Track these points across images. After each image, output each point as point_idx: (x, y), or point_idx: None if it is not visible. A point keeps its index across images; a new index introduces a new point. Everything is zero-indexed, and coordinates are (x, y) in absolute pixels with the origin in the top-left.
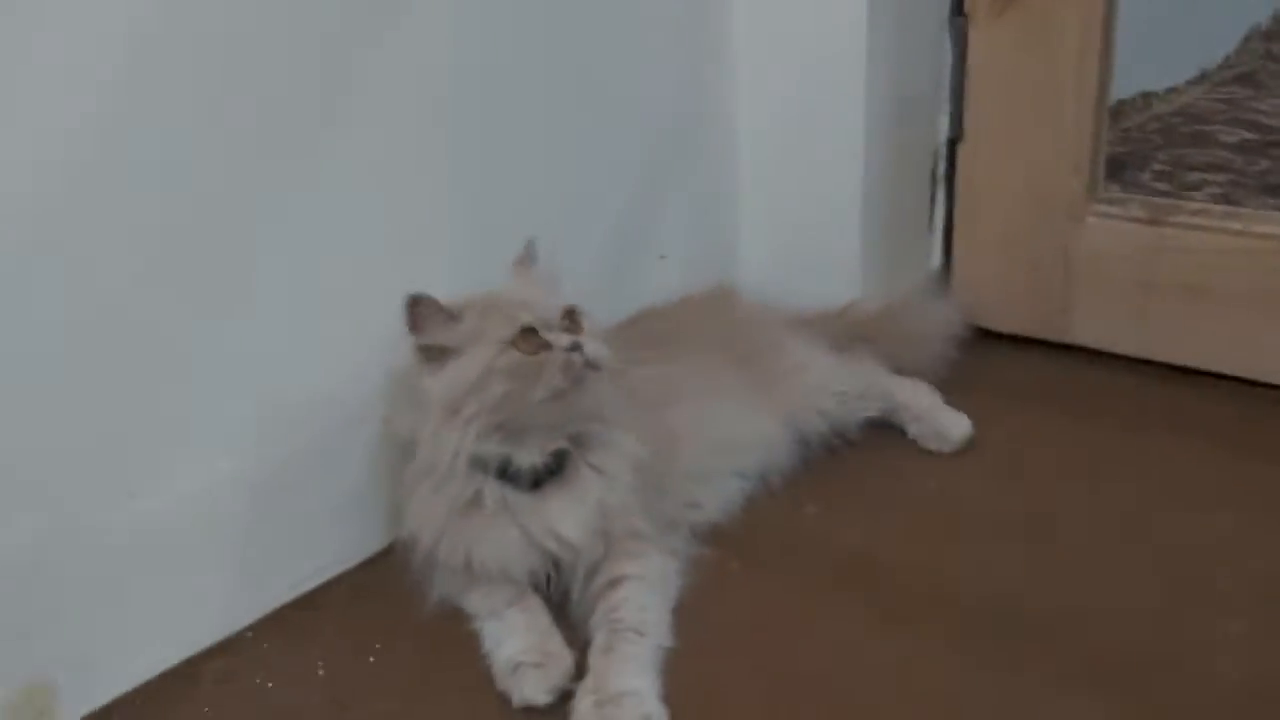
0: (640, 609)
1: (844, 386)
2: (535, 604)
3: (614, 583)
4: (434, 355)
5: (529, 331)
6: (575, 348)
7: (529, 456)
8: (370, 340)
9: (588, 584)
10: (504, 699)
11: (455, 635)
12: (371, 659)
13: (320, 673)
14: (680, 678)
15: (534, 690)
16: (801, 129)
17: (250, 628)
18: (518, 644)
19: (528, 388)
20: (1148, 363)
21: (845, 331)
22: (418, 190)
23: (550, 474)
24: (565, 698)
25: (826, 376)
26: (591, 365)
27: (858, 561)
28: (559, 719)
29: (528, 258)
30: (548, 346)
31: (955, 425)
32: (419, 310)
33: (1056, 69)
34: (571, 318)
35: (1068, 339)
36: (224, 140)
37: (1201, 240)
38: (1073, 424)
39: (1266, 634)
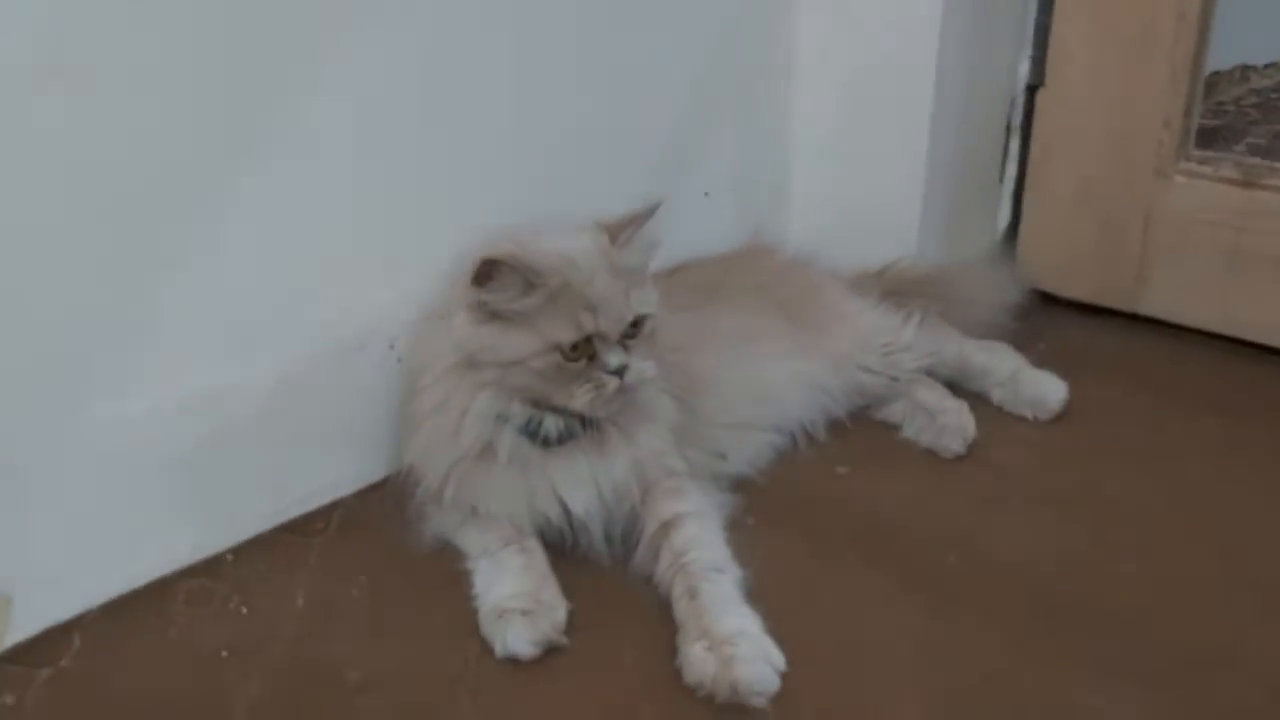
0: (709, 545)
1: (889, 338)
2: (534, 545)
3: (668, 525)
4: (484, 309)
5: (585, 341)
6: (620, 371)
7: (552, 422)
8: (377, 269)
9: (631, 530)
10: (487, 647)
11: (446, 575)
12: (355, 591)
13: (299, 602)
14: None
15: (518, 641)
16: (868, 62)
17: (233, 550)
18: (509, 587)
19: (552, 391)
20: (1225, 339)
21: (883, 292)
22: (441, 111)
23: (572, 435)
24: (552, 653)
25: (873, 326)
26: (628, 389)
27: (882, 526)
28: (544, 673)
29: (637, 223)
30: (594, 357)
31: (1052, 390)
32: (494, 272)
33: (1156, 9)
34: (637, 326)
35: (1139, 309)
36: (245, 39)
37: None
38: (1136, 400)
39: None
